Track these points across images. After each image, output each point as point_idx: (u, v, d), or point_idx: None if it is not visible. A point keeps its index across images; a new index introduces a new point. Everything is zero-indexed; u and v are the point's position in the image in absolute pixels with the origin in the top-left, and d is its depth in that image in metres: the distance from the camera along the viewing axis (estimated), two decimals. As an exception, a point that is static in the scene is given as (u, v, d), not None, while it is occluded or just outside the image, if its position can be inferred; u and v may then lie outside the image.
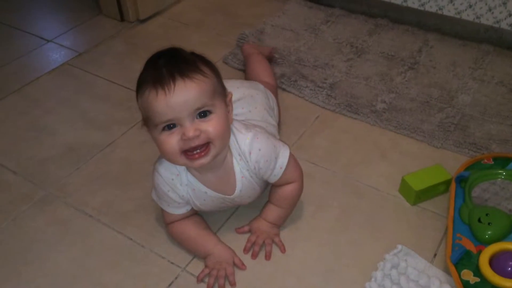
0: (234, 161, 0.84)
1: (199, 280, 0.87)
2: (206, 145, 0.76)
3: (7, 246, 0.94)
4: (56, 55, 1.48)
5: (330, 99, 1.27)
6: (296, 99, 1.28)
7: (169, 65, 0.74)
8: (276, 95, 1.17)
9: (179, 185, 0.85)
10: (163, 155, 0.79)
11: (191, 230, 0.90)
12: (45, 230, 0.97)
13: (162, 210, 0.91)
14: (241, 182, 0.85)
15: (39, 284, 0.88)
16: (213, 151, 0.77)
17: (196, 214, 0.93)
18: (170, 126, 0.74)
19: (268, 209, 0.94)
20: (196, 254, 0.91)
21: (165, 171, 0.84)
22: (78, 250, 0.93)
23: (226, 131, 0.79)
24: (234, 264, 0.89)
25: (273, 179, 0.87)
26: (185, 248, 0.92)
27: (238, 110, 0.97)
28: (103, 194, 1.04)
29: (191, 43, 1.48)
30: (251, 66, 1.27)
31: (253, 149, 0.82)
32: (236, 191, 0.86)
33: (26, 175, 1.09)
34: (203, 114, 0.74)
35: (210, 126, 0.75)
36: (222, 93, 0.79)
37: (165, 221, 0.92)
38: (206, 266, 0.89)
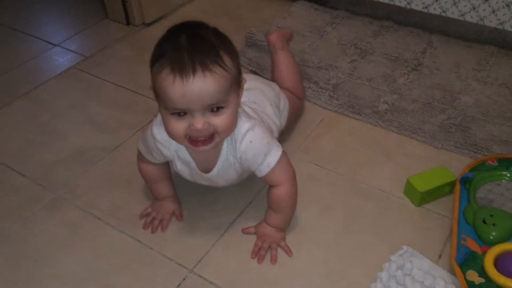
0: (225, 143, 0.85)
1: (141, 217, 1.00)
2: (211, 135, 0.78)
3: (17, 249, 0.96)
4: (63, 59, 1.50)
5: (332, 100, 1.28)
6: (301, 101, 1.29)
7: (191, 49, 0.72)
8: (297, 107, 1.17)
9: (168, 150, 0.87)
10: (167, 132, 0.80)
11: (155, 176, 0.97)
12: (54, 233, 0.99)
13: (138, 152, 0.94)
14: (222, 163, 0.86)
15: (48, 287, 0.89)
16: (216, 140, 0.79)
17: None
18: (181, 113, 0.75)
19: (268, 214, 0.94)
20: (151, 192, 1.01)
21: (159, 135, 0.85)
22: (87, 252, 0.95)
23: (234, 124, 0.81)
24: (174, 215, 1.00)
25: (258, 174, 0.88)
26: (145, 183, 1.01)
27: (243, 99, 0.96)
28: (111, 196, 1.06)
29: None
30: (278, 67, 1.20)
31: (244, 139, 0.83)
32: (213, 170, 0.87)
33: (35, 178, 1.10)
34: (215, 108, 0.75)
35: (220, 121, 0.76)
36: (238, 83, 0.79)
37: (137, 156, 0.96)
38: (150, 206, 1.01)
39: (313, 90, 1.31)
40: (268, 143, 0.85)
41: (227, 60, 0.75)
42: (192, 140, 0.78)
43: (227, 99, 0.76)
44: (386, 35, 1.52)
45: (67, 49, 1.54)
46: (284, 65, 1.20)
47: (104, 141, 1.20)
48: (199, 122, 0.74)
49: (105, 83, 1.39)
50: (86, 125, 1.25)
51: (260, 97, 1.01)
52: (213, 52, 0.73)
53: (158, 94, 0.76)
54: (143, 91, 1.33)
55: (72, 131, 1.23)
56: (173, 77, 0.72)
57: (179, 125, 0.76)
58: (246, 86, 0.97)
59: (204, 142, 0.78)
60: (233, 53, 0.78)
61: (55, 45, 1.56)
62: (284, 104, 1.10)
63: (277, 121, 1.04)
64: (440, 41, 1.47)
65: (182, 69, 0.71)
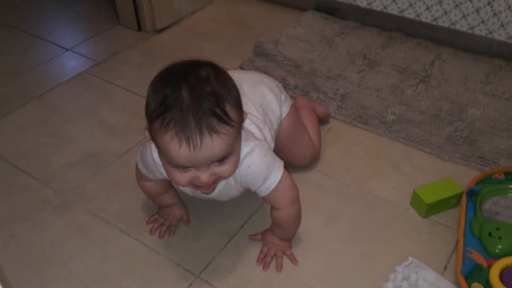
0: None
1: (148, 223, 1.01)
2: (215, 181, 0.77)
3: (27, 250, 0.97)
4: (75, 64, 1.52)
5: (341, 109, 1.29)
6: (309, 110, 1.30)
7: (196, 109, 0.68)
8: (312, 156, 1.11)
9: None
10: (168, 177, 0.79)
11: (157, 192, 0.97)
12: (64, 235, 1.00)
13: (137, 169, 0.92)
14: (223, 186, 0.85)
15: (58, 288, 0.91)
16: (219, 182, 0.80)
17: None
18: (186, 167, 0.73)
19: (272, 226, 0.94)
20: (156, 204, 1.02)
21: (160, 161, 0.81)
22: (96, 255, 0.96)
23: (237, 166, 0.78)
24: (182, 220, 1.01)
25: (259, 195, 0.87)
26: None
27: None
28: (120, 201, 1.07)
29: (205, 53, 1.51)
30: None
31: (242, 164, 0.81)
32: (215, 192, 0.86)
33: (46, 181, 1.12)
34: (222, 158, 0.74)
35: (225, 169, 0.75)
36: (241, 125, 0.77)
37: (137, 175, 0.95)
38: (157, 213, 1.02)
39: (321, 100, 1.32)
40: (268, 166, 0.83)
41: (232, 113, 0.71)
42: (196, 186, 0.77)
43: (232, 149, 0.74)
44: (394, 46, 1.53)
45: (79, 54, 1.56)
46: (306, 118, 1.14)
47: (114, 145, 1.21)
48: (205, 176, 0.73)
49: (116, 88, 1.41)
50: (97, 129, 1.27)
51: (258, 86, 0.98)
52: (218, 107, 0.69)
53: (160, 148, 0.74)
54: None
55: (83, 135, 1.25)
56: (179, 143, 0.69)
57: (183, 177, 0.74)
58: (239, 77, 0.94)
59: (207, 187, 0.77)
60: (236, 97, 0.75)
61: (67, 49, 1.59)
62: (286, 97, 1.04)
63: (278, 109, 0.99)
64: (448, 53, 1.48)
65: (189, 136, 0.68)
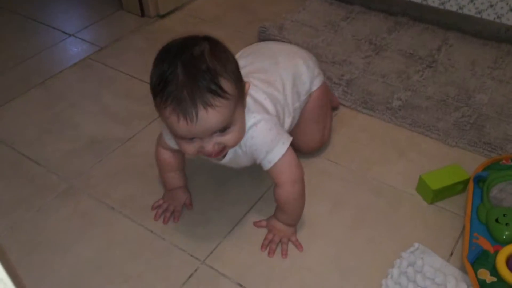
0: None
1: (153, 208, 1.01)
2: (222, 149, 0.80)
3: (32, 236, 0.97)
4: (78, 49, 1.50)
5: (346, 95, 1.28)
6: (314, 96, 1.29)
7: (190, 85, 0.72)
8: (314, 147, 1.10)
9: None
10: (179, 148, 0.83)
11: (170, 165, 0.98)
12: (68, 221, 1.00)
13: (160, 134, 0.95)
14: (232, 154, 0.87)
15: (63, 274, 0.91)
16: (227, 150, 0.83)
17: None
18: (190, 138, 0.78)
19: (276, 210, 0.95)
20: (163, 182, 1.03)
21: None
22: (100, 241, 0.96)
23: (243, 134, 0.82)
24: (185, 204, 1.01)
25: (263, 168, 0.88)
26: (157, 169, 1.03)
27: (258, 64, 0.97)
28: (124, 187, 1.06)
29: (210, 38, 1.50)
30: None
31: (247, 134, 0.84)
32: (225, 159, 0.88)
33: (50, 167, 1.12)
34: (223, 129, 0.77)
35: (229, 138, 0.79)
36: (242, 99, 0.79)
37: (157, 140, 0.97)
38: (162, 199, 1.02)
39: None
40: (271, 140, 0.85)
41: (227, 86, 0.74)
42: (205, 154, 0.81)
43: (232, 120, 0.77)
44: (401, 31, 1.51)
45: (82, 39, 1.55)
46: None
47: (118, 131, 1.20)
48: (209, 145, 0.77)
49: (119, 74, 1.40)
50: (100, 115, 1.26)
51: (294, 57, 1.02)
52: (213, 83, 0.72)
53: (164, 122, 0.78)
54: (157, 82, 1.33)
55: (87, 121, 1.24)
56: (177, 118, 0.73)
57: (190, 147, 0.79)
58: (276, 47, 1.02)
59: (216, 155, 0.81)
60: (232, 71, 0.76)
61: (70, 35, 1.57)
62: (319, 72, 1.05)
63: (308, 82, 1.01)
64: (456, 38, 1.46)
65: (184, 111, 0.72)
